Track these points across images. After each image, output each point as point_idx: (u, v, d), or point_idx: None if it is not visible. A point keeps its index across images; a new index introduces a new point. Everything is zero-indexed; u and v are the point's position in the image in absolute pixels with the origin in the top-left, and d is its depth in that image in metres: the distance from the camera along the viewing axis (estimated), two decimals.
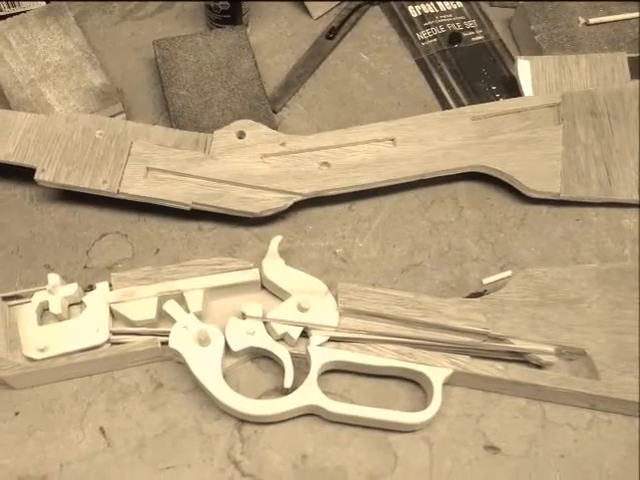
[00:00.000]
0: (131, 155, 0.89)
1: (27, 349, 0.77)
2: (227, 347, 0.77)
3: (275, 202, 0.88)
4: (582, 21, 1.05)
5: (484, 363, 0.77)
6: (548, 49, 1.02)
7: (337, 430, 0.77)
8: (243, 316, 0.79)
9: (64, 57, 0.98)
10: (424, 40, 1.09)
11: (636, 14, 1.05)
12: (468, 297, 0.82)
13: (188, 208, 0.87)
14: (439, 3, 1.13)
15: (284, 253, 0.85)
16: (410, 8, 1.12)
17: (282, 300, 0.80)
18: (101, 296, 0.79)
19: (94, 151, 0.88)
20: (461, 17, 1.12)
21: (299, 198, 0.89)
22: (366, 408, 0.75)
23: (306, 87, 1.05)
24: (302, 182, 0.89)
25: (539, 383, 0.76)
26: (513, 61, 1.03)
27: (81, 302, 0.80)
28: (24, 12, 1.03)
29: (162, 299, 0.79)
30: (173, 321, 0.77)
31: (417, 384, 0.80)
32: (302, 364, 0.78)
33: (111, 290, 0.80)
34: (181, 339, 0.76)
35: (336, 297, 0.80)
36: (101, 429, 0.77)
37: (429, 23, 1.11)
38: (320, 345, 0.77)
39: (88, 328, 0.77)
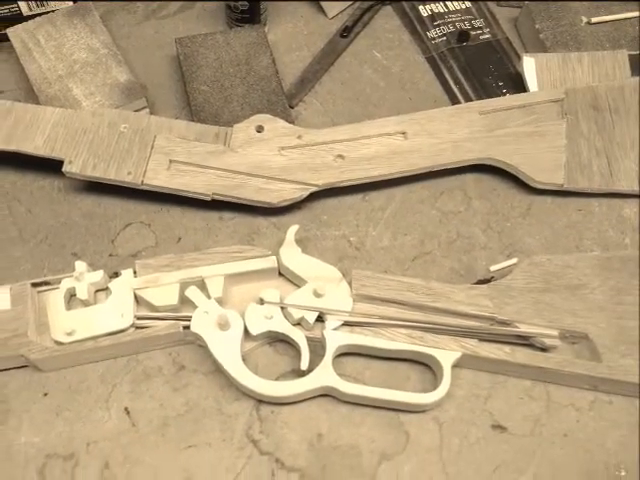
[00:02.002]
0: (154, 148, 0.88)
1: (55, 333, 0.76)
2: (246, 331, 0.77)
3: (292, 193, 0.87)
4: (585, 20, 1.04)
5: (491, 346, 0.77)
6: (552, 47, 1.02)
7: (351, 410, 0.77)
8: (261, 301, 0.78)
9: (90, 54, 0.98)
10: (434, 38, 1.08)
11: (636, 13, 1.05)
12: (476, 283, 0.82)
13: (209, 198, 0.87)
14: (448, 3, 1.12)
15: (300, 241, 0.85)
16: (420, 8, 1.12)
17: (298, 286, 0.80)
18: (126, 282, 0.78)
19: (119, 144, 0.88)
20: (469, 16, 1.11)
21: (315, 189, 0.88)
22: (378, 389, 0.75)
23: (321, 83, 1.04)
24: (318, 174, 0.88)
25: (544, 365, 0.76)
26: (519, 58, 1.02)
27: (107, 288, 0.79)
28: (52, 11, 1.03)
29: (184, 285, 0.78)
30: (194, 306, 0.77)
31: (427, 366, 0.79)
32: (318, 347, 0.78)
33: (135, 277, 0.79)
34: (202, 323, 0.76)
35: (350, 283, 0.79)
36: (126, 409, 0.77)
37: (439, 22, 1.10)
38: (335, 329, 0.77)
39: (113, 313, 0.77)
